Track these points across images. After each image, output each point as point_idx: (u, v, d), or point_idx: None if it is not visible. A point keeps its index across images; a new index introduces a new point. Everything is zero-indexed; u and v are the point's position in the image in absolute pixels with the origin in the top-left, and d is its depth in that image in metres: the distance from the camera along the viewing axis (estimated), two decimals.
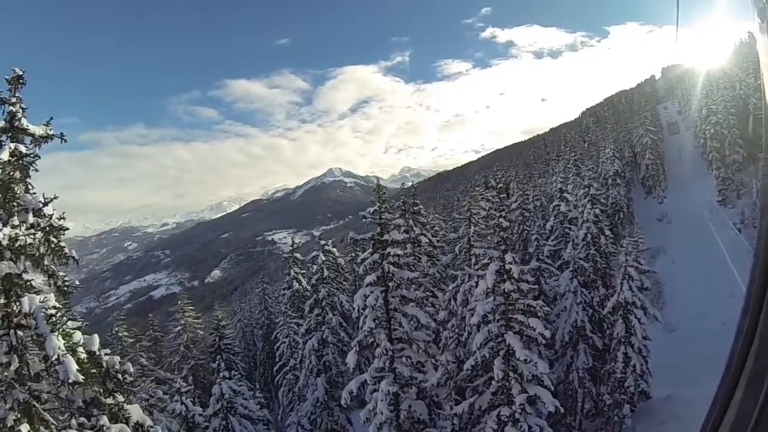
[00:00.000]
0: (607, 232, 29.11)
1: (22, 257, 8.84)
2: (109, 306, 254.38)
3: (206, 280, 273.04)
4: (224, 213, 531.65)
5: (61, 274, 9.53)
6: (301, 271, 34.64)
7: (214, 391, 24.67)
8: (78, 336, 9.49)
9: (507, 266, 14.93)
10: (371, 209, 17.05)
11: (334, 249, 34.01)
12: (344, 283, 35.29)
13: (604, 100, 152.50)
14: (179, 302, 35.58)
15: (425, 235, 29.45)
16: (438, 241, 31.75)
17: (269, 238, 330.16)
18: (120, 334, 31.81)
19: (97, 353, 9.75)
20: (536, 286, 18.00)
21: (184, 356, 33.65)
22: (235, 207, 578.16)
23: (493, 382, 14.55)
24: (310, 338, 28.79)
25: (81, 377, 8.80)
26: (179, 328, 34.41)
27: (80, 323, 10.10)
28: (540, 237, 29.07)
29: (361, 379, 17.07)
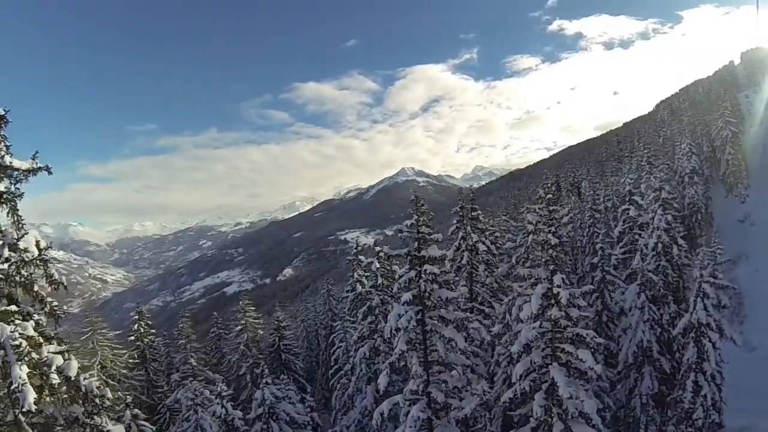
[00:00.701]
0: (681, 241, 25.92)
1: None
2: (183, 300, 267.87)
3: (278, 278, 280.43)
4: (297, 213, 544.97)
5: (48, 299, 10.03)
6: (365, 274, 33.91)
7: (256, 396, 24.86)
8: (58, 361, 9.97)
9: (555, 290, 13.31)
10: (408, 222, 15.82)
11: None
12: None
13: (679, 90, 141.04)
14: (240, 302, 35.88)
15: (483, 242, 28.03)
16: (498, 249, 30.12)
17: (341, 237, 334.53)
18: (185, 330, 33.28)
19: (74, 378, 10.22)
20: (588, 314, 15.98)
21: (243, 355, 34.06)
22: (308, 207, 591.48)
23: (531, 419, 13.00)
24: (362, 346, 28.12)
25: (34, 407, 9.17)
26: (239, 327, 34.84)
27: (63, 348, 10.55)
28: (605, 245, 26.60)
29: (394, 401, 16.02)
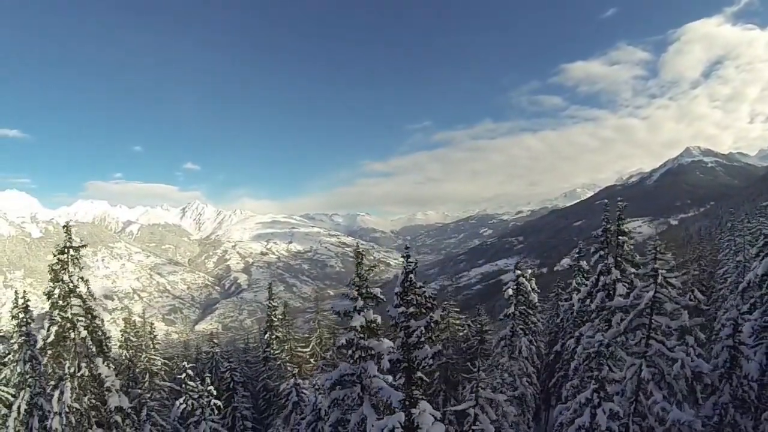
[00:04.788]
0: None
1: None
2: (460, 285, 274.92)
3: (555, 268, 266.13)
4: (578, 200, 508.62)
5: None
6: (584, 282, 29.37)
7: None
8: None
9: None
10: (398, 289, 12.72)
11: (529, 281, 27.68)
12: (537, 323, 28.57)
13: None
14: (444, 301, 35.04)
15: (626, 281, 22.12)
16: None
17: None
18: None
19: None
20: None
21: (438, 353, 34.11)
22: (589, 194, 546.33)
23: None
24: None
25: None
26: (442, 326, 34.94)
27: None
28: None
29: None
